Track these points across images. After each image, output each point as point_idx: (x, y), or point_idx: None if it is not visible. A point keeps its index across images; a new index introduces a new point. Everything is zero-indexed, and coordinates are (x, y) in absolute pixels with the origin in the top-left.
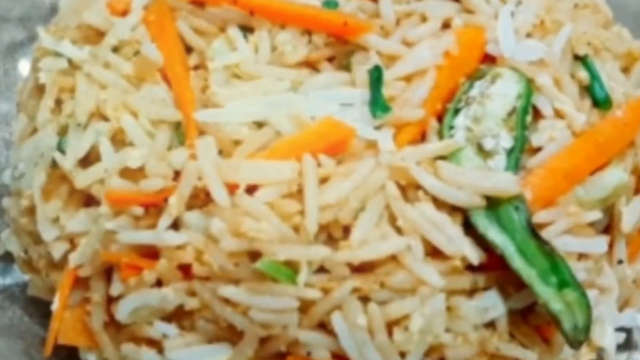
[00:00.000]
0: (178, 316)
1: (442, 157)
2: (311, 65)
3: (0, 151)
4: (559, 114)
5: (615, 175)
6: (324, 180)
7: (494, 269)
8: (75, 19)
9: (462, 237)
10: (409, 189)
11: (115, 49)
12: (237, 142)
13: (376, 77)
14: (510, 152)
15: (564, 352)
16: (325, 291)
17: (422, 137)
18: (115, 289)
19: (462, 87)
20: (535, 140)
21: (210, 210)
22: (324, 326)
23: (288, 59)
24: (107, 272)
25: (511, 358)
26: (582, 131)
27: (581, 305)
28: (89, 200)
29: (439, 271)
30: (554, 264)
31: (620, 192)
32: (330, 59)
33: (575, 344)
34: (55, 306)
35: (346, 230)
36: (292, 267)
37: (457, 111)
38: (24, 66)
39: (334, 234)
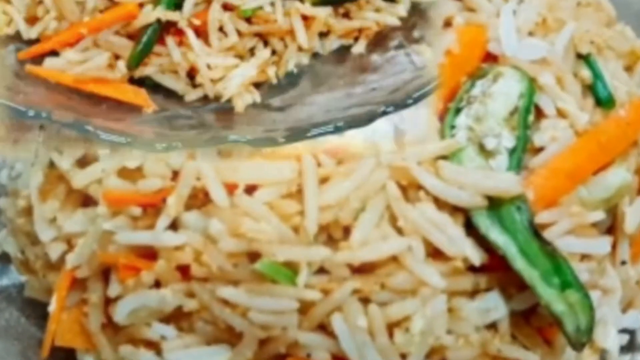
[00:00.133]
0: (176, 317)
1: (444, 157)
2: None
3: None
4: (561, 113)
5: (619, 175)
6: (324, 180)
7: (496, 270)
8: None
9: (464, 238)
10: (410, 189)
11: None
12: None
13: None
14: (512, 151)
15: (566, 354)
16: (325, 292)
17: None
18: (113, 290)
19: (463, 86)
20: (538, 139)
21: (209, 210)
22: (324, 328)
23: None
24: (105, 273)
25: None
26: (585, 131)
27: (584, 307)
28: (86, 201)
29: (440, 272)
30: (556, 265)
31: (624, 192)
32: None
33: (578, 346)
34: (52, 307)
35: (346, 231)
36: (291, 268)
37: (458, 110)
38: None
39: (334, 234)
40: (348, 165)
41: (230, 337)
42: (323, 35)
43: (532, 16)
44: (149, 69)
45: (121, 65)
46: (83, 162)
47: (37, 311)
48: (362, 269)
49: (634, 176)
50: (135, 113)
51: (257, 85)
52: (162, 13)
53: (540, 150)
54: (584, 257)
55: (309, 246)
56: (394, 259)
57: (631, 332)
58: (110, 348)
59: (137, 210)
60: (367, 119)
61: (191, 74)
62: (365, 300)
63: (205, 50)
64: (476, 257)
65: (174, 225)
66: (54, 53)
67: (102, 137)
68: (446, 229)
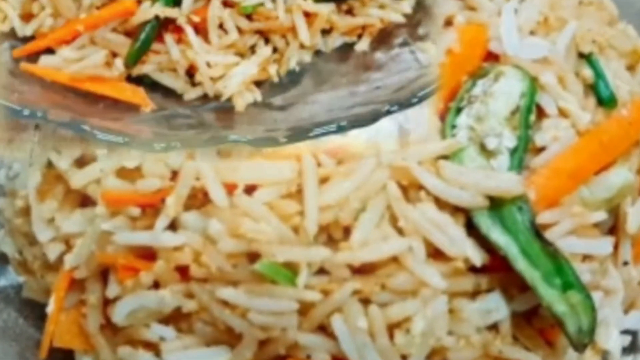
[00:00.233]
0: (175, 318)
1: (445, 157)
2: None
3: None
4: (563, 113)
5: (621, 175)
6: (324, 180)
7: (497, 271)
8: None
9: (465, 238)
10: (411, 189)
11: None
12: None
13: None
14: (513, 151)
15: (568, 355)
16: (326, 293)
17: None
18: (112, 290)
19: (464, 86)
20: (539, 139)
21: (208, 210)
22: (324, 329)
23: None
24: (104, 274)
25: None
26: (587, 130)
27: (586, 308)
28: (84, 201)
29: (441, 273)
30: (558, 266)
31: (626, 192)
32: None
33: (580, 347)
34: (50, 308)
35: (346, 231)
36: (291, 269)
37: (459, 110)
38: None
39: (334, 234)
40: (348, 165)
41: (229, 338)
42: (326, 32)
43: (533, 15)
44: (147, 67)
45: (118, 63)
46: (81, 162)
47: (35, 312)
48: (362, 270)
49: (636, 176)
50: (132, 112)
51: (258, 83)
52: (161, 9)
53: (541, 150)
54: (586, 257)
55: (309, 247)
56: (395, 259)
57: (633, 333)
58: (109, 349)
59: (135, 211)
60: (370, 119)
61: (190, 72)
62: (365, 301)
63: (205, 47)
64: (477, 257)
65: (173, 226)
66: (49, 51)
67: (99, 137)
68: (447, 230)
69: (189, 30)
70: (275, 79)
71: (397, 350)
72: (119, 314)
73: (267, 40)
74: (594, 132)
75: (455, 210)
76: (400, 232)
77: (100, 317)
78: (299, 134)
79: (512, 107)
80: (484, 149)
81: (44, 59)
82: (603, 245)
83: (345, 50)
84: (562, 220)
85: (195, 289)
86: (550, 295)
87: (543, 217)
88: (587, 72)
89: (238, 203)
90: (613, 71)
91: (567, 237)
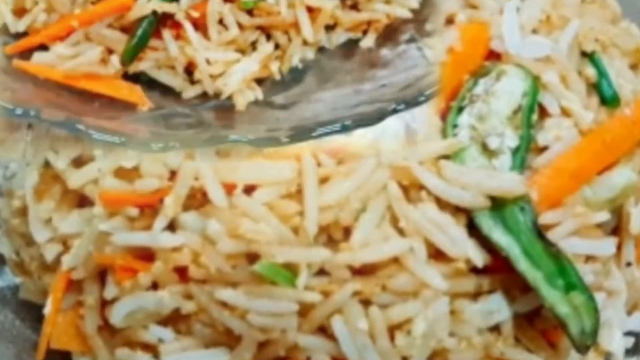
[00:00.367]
0: (174, 320)
1: (446, 157)
2: None
3: None
4: (565, 112)
5: (624, 175)
6: (324, 180)
7: (499, 272)
8: None
9: (466, 239)
10: (412, 189)
11: None
12: None
13: None
14: (515, 151)
15: (570, 357)
16: (326, 294)
17: None
18: (110, 292)
19: (466, 85)
20: (542, 139)
21: (207, 211)
22: (324, 330)
23: None
24: (101, 275)
25: None
26: (590, 130)
27: (588, 309)
28: (82, 201)
29: (442, 274)
30: (560, 267)
31: (629, 192)
32: None
33: (583, 349)
34: (47, 310)
35: (347, 232)
36: (291, 270)
37: (461, 109)
38: None
39: (334, 235)
40: (348, 165)
41: (228, 339)
42: (329, 28)
43: (535, 13)
44: (144, 64)
45: (114, 60)
46: (79, 162)
47: (32, 313)
48: (362, 271)
49: (639, 176)
50: (129, 111)
51: (259, 81)
52: (158, 4)
53: (544, 149)
54: (589, 258)
55: (309, 247)
56: (395, 260)
57: (636, 335)
58: (107, 351)
59: (134, 211)
60: (376, 118)
61: (189, 69)
62: (366, 302)
63: (204, 44)
64: (479, 258)
65: (171, 226)
66: (43, 47)
67: (94, 136)
68: (448, 230)
69: (188, 26)
70: (277, 77)
71: (397, 351)
72: (117, 315)
73: (268, 37)
74: (596, 131)
75: (457, 210)
76: (401, 232)
77: (98, 319)
78: (301, 133)
79: (514, 107)
80: (485, 149)
81: (38, 56)
82: (606, 245)
83: (350, 46)
84: (564, 221)
85: (194, 290)
86: (553, 297)
87: (545, 218)
88: (590, 71)
89: (237, 203)
90: (616, 70)
91: (569, 238)
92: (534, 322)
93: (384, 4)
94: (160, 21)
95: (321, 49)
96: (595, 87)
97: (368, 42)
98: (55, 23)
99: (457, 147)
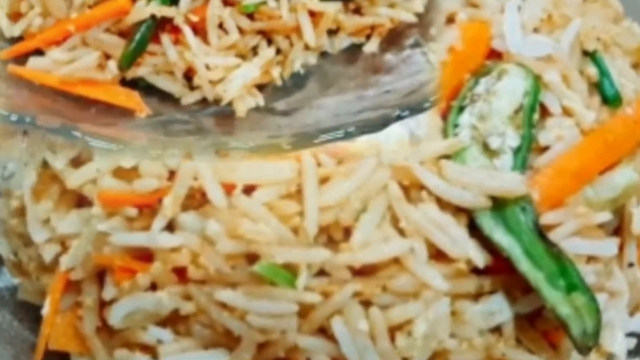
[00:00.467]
0: (173, 321)
1: (447, 157)
2: None
3: None
4: (567, 112)
5: (626, 175)
6: (324, 180)
7: (500, 272)
8: None
9: (467, 239)
10: (412, 189)
11: None
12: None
13: None
14: (516, 151)
15: (572, 358)
16: (326, 295)
17: None
18: (108, 292)
19: (467, 84)
20: (543, 138)
21: (207, 211)
22: (324, 331)
23: None
24: (100, 276)
25: None
26: (591, 129)
27: (590, 310)
28: (80, 201)
29: (443, 274)
30: (562, 267)
31: (631, 192)
32: None
33: (584, 350)
34: (45, 311)
35: (347, 232)
36: (291, 270)
37: (461, 109)
38: None
39: (334, 235)
40: (349, 164)
41: (228, 341)
42: (332, 32)
43: (537, 12)
44: (142, 70)
45: (112, 65)
46: (77, 162)
47: (31, 314)
48: (363, 271)
49: None
50: (127, 117)
51: (260, 87)
52: (157, 8)
53: (545, 149)
54: (591, 259)
55: (309, 248)
56: (396, 260)
57: (639, 336)
58: (105, 352)
59: (132, 211)
60: (380, 124)
61: (188, 75)
62: (366, 303)
63: (204, 49)
64: (480, 259)
65: (170, 227)
66: (38, 52)
67: (91, 143)
68: (449, 230)
69: (187, 31)
70: (279, 82)
71: (398, 353)
72: (115, 316)
73: (269, 41)
74: (598, 131)
75: (458, 210)
76: (401, 233)
77: (97, 320)
78: (303, 140)
79: (516, 106)
80: (486, 149)
81: (33, 61)
82: (608, 246)
83: (353, 51)
84: (566, 221)
85: (193, 290)
86: (554, 297)
87: (547, 218)
88: (592, 70)
89: (237, 203)
90: (618, 69)
91: (571, 238)
92: (536, 323)
93: (388, 7)
94: (159, 25)
95: (323, 54)
96: (597, 87)
97: (371, 47)
98: (51, 27)
99: (458, 147)
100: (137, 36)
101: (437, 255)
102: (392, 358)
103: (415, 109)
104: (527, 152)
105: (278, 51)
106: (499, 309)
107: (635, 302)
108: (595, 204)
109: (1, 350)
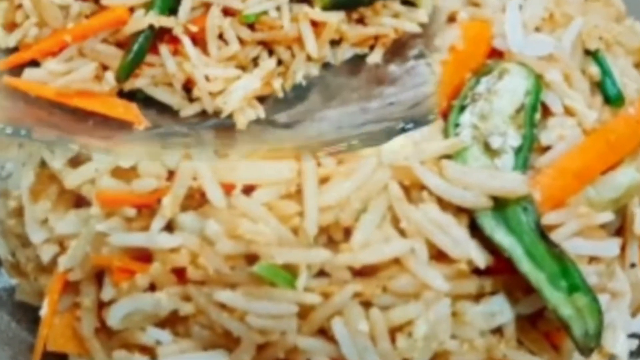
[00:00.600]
0: (172, 322)
1: (448, 156)
2: None
3: None
4: (569, 111)
5: (628, 175)
6: (324, 180)
7: (501, 273)
8: None
9: (468, 240)
10: (413, 189)
11: None
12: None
13: None
14: (518, 150)
15: (574, 359)
16: (326, 296)
17: None
18: (107, 293)
19: (468, 83)
20: (545, 138)
21: (206, 211)
22: (324, 332)
23: None
24: (98, 276)
25: None
26: (593, 129)
27: (592, 311)
28: (79, 201)
29: (444, 275)
30: (563, 268)
31: (633, 192)
32: None
33: (586, 351)
34: (44, 311)
35: (347, 233)
36: (290, 271)
37: (462, 108)
38: None
39: (334, 236)
40: (349, 164)
41: (227, 342)
42: (335, 43)
43: (538, 11)
44: (140, 81)
45: (109, 76)
46: (76, 162)
47: (29, 315)
48: (363, 272)
49: None
50: (124, 130)
51: (261, 99)
52: (155, 18)
53: (547, 149)
54: (592, 259)
55: (309, 248)
56: (397, 261)
57: None
58: (104, 353)
59: (131, 211)
60: (384, 137)
61: (187, 86)
62: (366, 304)
63: (203, 60)
64: (481, 259)
65: (169, 227)
66: (34, 63)
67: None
68: (450, 231)
69: (186, 41)
70: (280, 94)
71: (399, 354)
72: (114, 317)
73: (271, 52)
74: (600, 131)
75: (459, 210)
76: (402, 233)
77: (95, 321)
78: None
79: (517, 105)
80: (488, 148)
81: (29, 72)
82: (610, 246)
83: (356, 62)
84: (568, 221)
85: (192, 291)
86: (556, 298)
87: (548, 218)
88: (594, 70)
89: (236, 204)
90: (620, 69)
91: (573, 239)
92: (537, 324)
93: (392, 17)
94: (158, 36)
95: (326, 65)
96: (599, 86)
97: (375, 57)
98: (47, 38)
99: (459, 147)
100: (135, 47)
101: (438, 255)
102: (392, 359)
103: (420, 122)
104: (528, 152)
105: (279, 62)
106: (500, 309)
107: (638, 303)
108: (597, 204)
109: None
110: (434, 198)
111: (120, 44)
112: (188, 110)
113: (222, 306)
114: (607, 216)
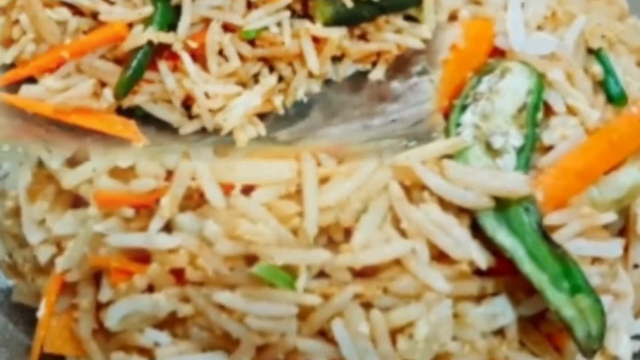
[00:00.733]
0: (170, 323)
1: (449, 156)
2: None
3: None
4: (571, 111)
5: (631, 175)
6: (324, 180)
7: (503, 274)
8: None
9: (470, 240)
10: (414, 189)
11: None
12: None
13: None
14: (520, 150)
15: None
16: (326, 297)
17: None
18: (105, 294)
19: (469, 83)
20: (547, 138)
21: (205, 212)
22: (324, 334)
23: None
24: (96, 277)
25: None
26: (596, 128)
27: (595, 312)
28: (76, 201)
29: (445, 276)
30: (566, 269)
31: (636, 192)
32: None
33: (589, 353)
34: (41, 313)
35: (347, 233)
36: (290, 272)
37: (464, 108)
38: None
39: (334, 236)
40: (349, 164)
41: (226, 343)
42: (336, 59)
43: (541, 9)
44: (139, 98)
45: (107, 93)
46: (73, 162)
47: (26, 317)
48: (363, 273)
49: None
50: (123, 148)
51: (262, 116)
52: (154, 34)
53: (549, 149)
54: (595, 260)
55: (309, 249)
56: (397, 262)
57: None
58: (102, 355)
59: (129, 212)
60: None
61: (187, 103)
62: (367, 306)
63: (203, 76)
64: (483, 260)
65: (167, 227)
66: (31, 80)
67: None
68: (451, 231)
69: (186, 57)
70: (281, 111)
71: (399, 356)
72: (112, 319)
73: (271, 69)
74: (603, 130)
75: (460, 211)
76: (403, 233)
77: (93, 322)
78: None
79: (519, 105)
80: (489, 148)
81: (26, 89)
82: (613, 247)
83: (358, 79)
84: (570, 222)
85: (190, 292)
86: (558, 299)
87: (551, 219)
88: (597, 69)
89: (235, 204)
90: (623, 67)
91: (575, 239)
92: (539, 325)
93: (395, 33)
94: (156, 52)
95: (327, 82)
96: (602, 85)
97: (377, 74)
98: (44, 54)
99: (461, 147)
100: (134, 63)
101: (439, 256)
102: None
103: (423, 139)
104: (530, 152)
105: (280, 79)
106: (502, 311)
107: None
108: (600, 204)
109: None
110: (435, 198)
111: (118, 60)
112: (187, 127)
113: (221, 307)
114: (610, 216)
